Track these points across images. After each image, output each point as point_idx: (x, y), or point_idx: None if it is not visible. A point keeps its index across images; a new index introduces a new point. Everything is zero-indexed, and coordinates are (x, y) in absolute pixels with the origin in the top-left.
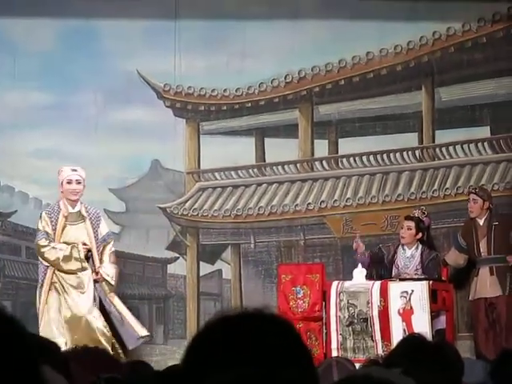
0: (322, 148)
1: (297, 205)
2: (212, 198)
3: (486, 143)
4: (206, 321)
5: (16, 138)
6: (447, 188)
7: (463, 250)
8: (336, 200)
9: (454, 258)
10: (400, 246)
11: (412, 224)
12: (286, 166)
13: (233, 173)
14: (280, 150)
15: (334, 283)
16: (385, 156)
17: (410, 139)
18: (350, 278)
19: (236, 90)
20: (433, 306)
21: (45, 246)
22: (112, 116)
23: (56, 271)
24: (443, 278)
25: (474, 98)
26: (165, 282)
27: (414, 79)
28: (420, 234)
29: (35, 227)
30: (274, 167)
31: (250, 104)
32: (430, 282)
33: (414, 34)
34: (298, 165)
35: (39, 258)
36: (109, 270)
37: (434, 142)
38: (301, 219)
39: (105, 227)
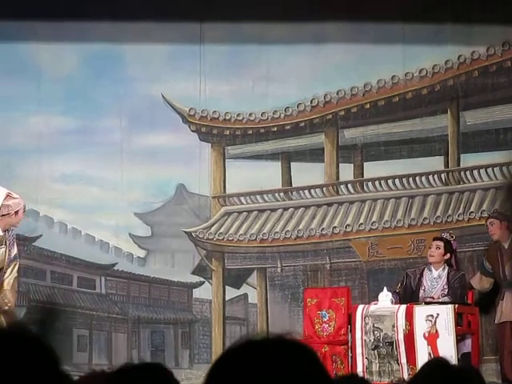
0: (347, 172)
1: (323, 229)
2: (237, 223)
3: (510, 167)
4: (227, 347)
5: (41, 163)
6: (472, 212)
7: (489, 273)
8: (361, 224)
9: (480, 281)
10: (426, 268)
11: (441, 244)
12: (312, 190)
13: (258, 197)
14: (306, 174)
15: (360, 307)
16: (410, 180)
17: (435, 163)
18: (376, 301)
19: (261, 115)
20: (458, 329)
21: None
22: (137, 141)
23: None
24: (469, 302)
25: (499, 122)
26: (190, 306)
27: (439, 103)
28: (448, 255)
29: (60, 252)
30: (300, 191)
31: (275, 128)
32: (456, 305)
33: (439, 57)
34: (323, 189)
35: None
36: (7, 297)
37: (459, 165)
38: (327, 243)
39: (15, 250)
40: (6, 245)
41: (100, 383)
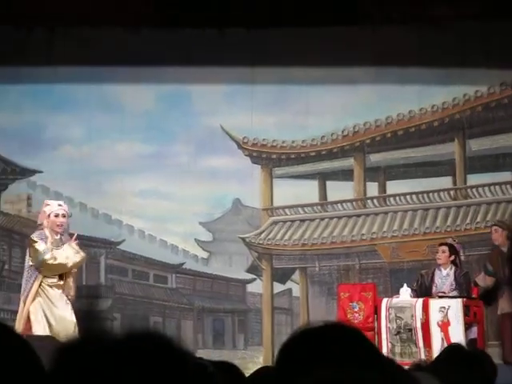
0: (372, 189)
1: (353, 235)
2: (283, 230)
3: (508, 185)
4: (293, 331)
5: (124, 181)
6: (478, 222)
7: (491, 273)
8: (385, 231)
9: (484, 280)
10: (436, 269)
11: (446, 248)
12: (343, 204)
13: (300, 209)
14: (339, 190)
15: (384, 300)
16: (425, 195)
17: (445, 182)
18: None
19: (302, 142)
20: (466, 319)
21: (50, 259)
22: (201, 163)
23: (42, 284)
24: (474, 296)
25: (498, 148)
26: (245, 298)
27: (448, 133)
28: (453, 257)
29: (140, 253)
30: (334, 205)
31: (313, 153)
32: (464, 299)
33: (447, 96)
34: (353, 203)
35: (38, 271)
36: (70, 289)
37: (465, 184)
38: (356, 247)
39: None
40: (64, 246)
41: None
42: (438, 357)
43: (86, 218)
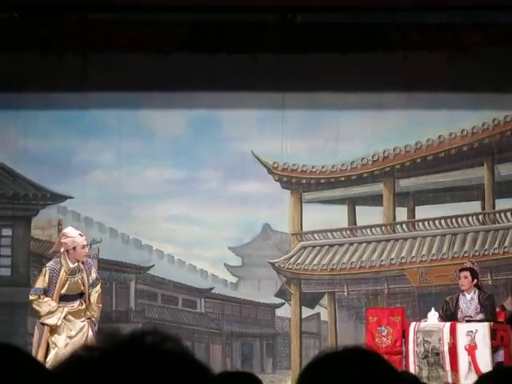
0: (402, 214)
1: (382, 260)
2: (312, 255)
3: None
4: (315, 355)
5: (154, 207)
6: (506, 246)
7: None
8: (413, 256)
9: (511, 304)
10: (461, 294)
11: (467, 273)
12: (372, 229)
13: (329, 234)
14: (368, 215)
15: (412, 324)
16: (453, 220)
17: (474, 206)
18: (425, 319)
19: (332, 167)
20: (493, 342)
21: (35, 300)
22: (231, 188)
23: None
24: (501, 320)
25: None
26: (273, 323)
27: (477, 157)
28: (475, 280)
29: (169, 278)
30: (363, 230)
31: (343, 178)
32: (491, 323)
33: (477, 120)
34: (382, 228)
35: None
36: (94, 311)
37: (494, 208)
38: (385, 272)
39: (94, 274)
40: (85, 273)
41: None
42: (481, 379)
43: (117, 244)
